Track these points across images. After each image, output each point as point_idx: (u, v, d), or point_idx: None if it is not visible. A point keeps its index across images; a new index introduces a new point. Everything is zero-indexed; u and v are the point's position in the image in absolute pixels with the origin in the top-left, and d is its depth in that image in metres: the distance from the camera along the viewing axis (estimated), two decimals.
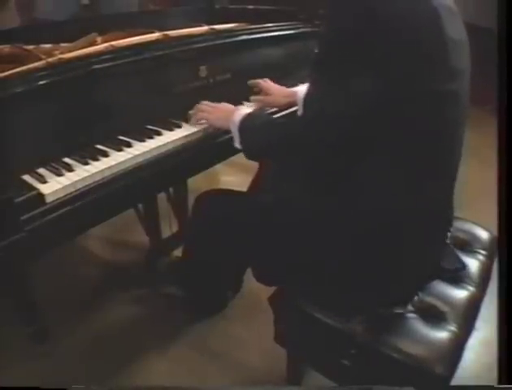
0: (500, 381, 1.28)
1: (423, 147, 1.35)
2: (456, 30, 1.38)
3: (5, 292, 2.23)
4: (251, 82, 2.12)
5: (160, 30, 2.27)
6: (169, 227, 2.62)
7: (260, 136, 1.60)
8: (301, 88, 1.93)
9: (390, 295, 1.51)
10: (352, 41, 1.26)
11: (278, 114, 2.07)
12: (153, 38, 2.19)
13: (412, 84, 1.27)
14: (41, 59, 1.93)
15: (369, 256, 1.44)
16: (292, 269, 1.57)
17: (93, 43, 2.30)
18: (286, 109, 2.08)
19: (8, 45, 2.43)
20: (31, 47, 2.49)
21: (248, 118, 1.65)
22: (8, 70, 1.75)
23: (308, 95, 1.44)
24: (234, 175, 3.37)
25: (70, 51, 2.03)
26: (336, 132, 1.34)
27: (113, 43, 2.03)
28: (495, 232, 1.57)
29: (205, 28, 2.44)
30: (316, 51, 1.43)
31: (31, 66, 1.77)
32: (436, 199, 1.47)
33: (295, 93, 1.97)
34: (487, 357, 2.02)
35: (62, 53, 2.01)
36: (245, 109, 1.75)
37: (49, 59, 1.86)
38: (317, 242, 1.49)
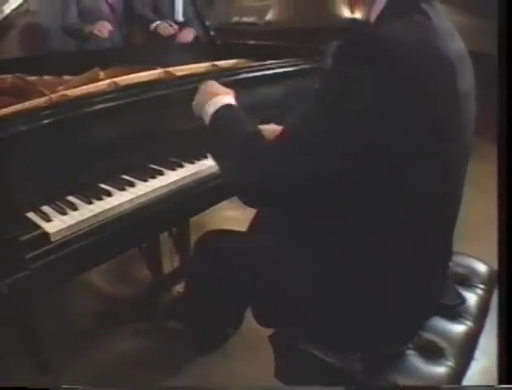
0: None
1: (426, 193, 1.38)
2: (467, 79, 1.42)
3: (7, 324, 2.26)
4: None
5: (162, 66, 2.33)
6: (170, 263, 2.67)
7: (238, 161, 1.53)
8: None
9: (390, 334, 1.53)
10: (361, 85, 1.26)
11: None
12: (155, 75, 2.26)
13: (419, 137, 1.30)
14: (44, 94, 1.98)
15: (368, 297, 1.47)
16: (292, 311, 1.59)
17: (96, 78, 2.36)
18: None
19: (10, 75, 2.49)
20: (34, 78, 2.55)
21: (220, 115, 1.63)
22: (11, 104, 1.81)
23: (302, 123, 1.41)
24: (236, 210, 3.37)
25: (73, 87, 2.08)
26: (326, 167, 1.33)
27: (116, 80, 2.10)
28: (494, 264, 1.59)
29: (206, 64, 2.50)
30: (319, 87, 1.44)
31: (35, 103, 1.83)
32: (436, 241, 1.50)
33: None
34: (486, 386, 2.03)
35: (65, 89, 2.07)
36: (223, 98, 1.69)
37: (53, 95, 1.92)
38: (316, 284, 1.51)
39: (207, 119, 1.64)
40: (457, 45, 1.43)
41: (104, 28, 3.45)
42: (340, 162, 1.32)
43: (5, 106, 1.78)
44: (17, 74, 2.55)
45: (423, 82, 1.28)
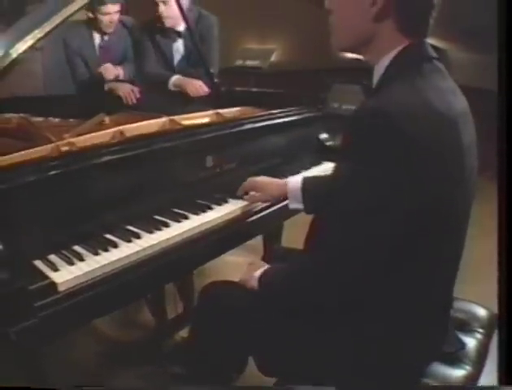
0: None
1: (429, 247, 1.44)
2: (469, 134, 1.49)
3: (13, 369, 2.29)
4: (240, 191, 2.16)
5: (166, 114, 2.40)
6: (174, 308, 2.70)
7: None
8: (292, 179, 2.05)
9: (391, 382, 1.57)
10: (380, 163, 1.33)
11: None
12: (160, 124, 2.33)
13: (425, 195, 1.35)
14: (50, 140, 2.04)
15: (369, 346, 1.51)
16: (294, 362, 1.62)
17: (102, 123, 2.42)
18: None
19: (16, 116, 2.56)
20: (39, 119, 2.61)
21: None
22: (18, 149, 1.86)
23: (329, 231, 1.49)
24: (238, 256, 3.37)
25: (79, 134, 2.14)
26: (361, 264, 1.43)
27: (121, 129, 2.15)
28: (493, 306, 1.63)
29: (210, 112, 2.57)
30: (336, 179, 1.51)
31: (42, 153, 1.88)
32: (438, 292, 1.56)
33: (285, 184, 2.04)
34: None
35: (71, 136, 2.12)
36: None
37: (60, 143, 1.97)
38: (317, 335, 1.56)
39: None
40: (459, 103, 1.49)
41: (131, 96, 3.45)
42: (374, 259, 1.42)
43: (11, 152, 1.83)
44: (22, 114, 2.62)
45: (429, 146, 1.33)
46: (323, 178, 2.11)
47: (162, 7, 3.38)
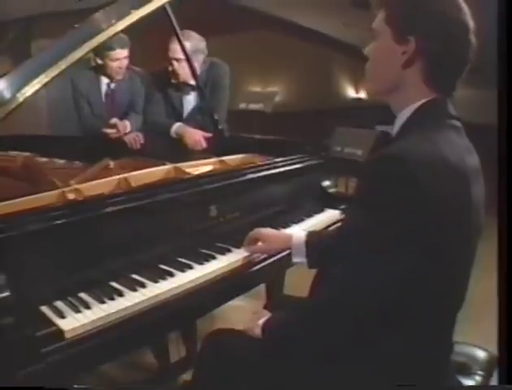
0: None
1: (436, 298, 1.50)
2: (479, 191, 1.56)
3: None
4: (246, 243, 2.19)
5: (170, 161, 2.49)
6: (177, 351, 2.75)
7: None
8: (296, 233, 2.09)
9: None
10: (392, 209, 1.40)
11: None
12: (164, 171, 2.42)
13: (437, 249, 1.42)
14: (55, 185, 2.13)
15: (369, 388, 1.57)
16: None
17: (107, 167, 2.51)
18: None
19: (21, 154, 2.63)
20: (44, 160, 2.68)
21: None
22: (22, 192, 1.95)
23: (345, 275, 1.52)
24: (242, 300, 3.37)
25: (85, 180, 2.23)
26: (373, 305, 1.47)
27: (127, 177, 2.24)
28: (492, 347, 1.69)
29: (214, 160, 2.67)
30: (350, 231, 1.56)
31: (48, 200, 1.96)
32: (438, 339, 1.61)
33: (290, 238, 2.07)
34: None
35: (77, 182, 2.20)
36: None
37: (66, 189, 2.05)
38: (318, 382, 1.60)
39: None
40: (472, 161, 1.56)
41: (136, 142, 3.54)
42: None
43: (15, 194, 1.92)
44: (28, 153, 2.70)
45: (441, 195, 1.41)
46: (328, 232, 2.16)
47: (175, 64, 3.47)
